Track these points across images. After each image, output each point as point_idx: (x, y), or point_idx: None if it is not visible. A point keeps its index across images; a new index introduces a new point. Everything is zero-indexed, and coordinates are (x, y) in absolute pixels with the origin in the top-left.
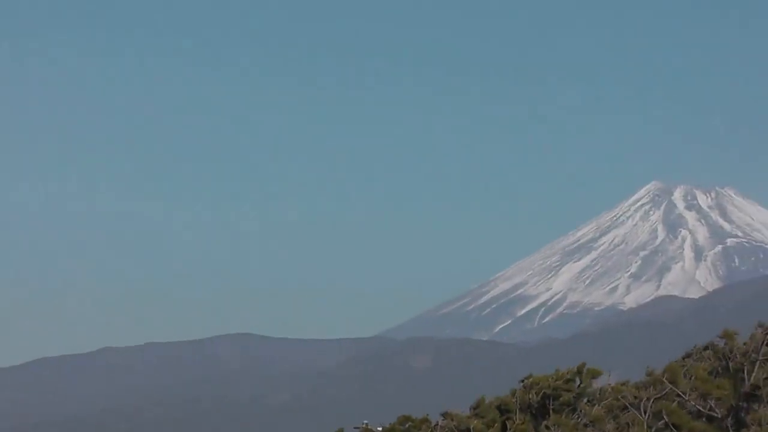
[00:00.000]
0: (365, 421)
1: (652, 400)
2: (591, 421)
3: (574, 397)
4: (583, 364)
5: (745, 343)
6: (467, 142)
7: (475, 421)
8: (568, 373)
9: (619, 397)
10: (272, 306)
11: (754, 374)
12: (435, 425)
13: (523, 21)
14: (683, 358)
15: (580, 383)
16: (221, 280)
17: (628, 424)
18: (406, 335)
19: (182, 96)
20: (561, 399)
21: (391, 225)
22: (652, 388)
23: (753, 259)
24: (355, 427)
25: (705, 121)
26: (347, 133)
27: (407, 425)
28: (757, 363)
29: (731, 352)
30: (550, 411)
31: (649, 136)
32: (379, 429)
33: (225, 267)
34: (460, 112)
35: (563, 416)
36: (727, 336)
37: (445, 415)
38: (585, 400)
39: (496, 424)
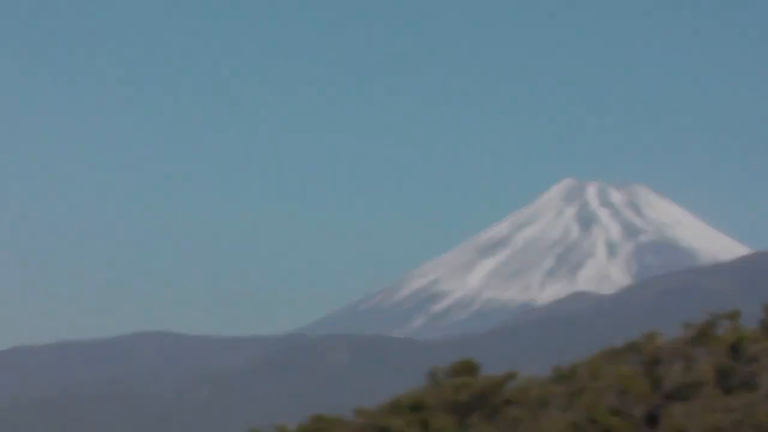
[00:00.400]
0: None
1: (567, 396)
2: (513, 420)
3: (501, 401)
4: (514, 372)
5: (666, 343)
6: (385, 138)
7: (396, 420)
8: (497, 377)
9: (536, 394)
10: (188, 304)
11: (672, 373)
12: (350, 423)
13: (418, 17)
14: (604, 355)
15: (506, 388)
16: (136, 278)
17: (539, 415)
18: (322, 332)
19: None
20: (488, 402)
21: (306, 223)
22: (568, 384)
23: (665, 255)
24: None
25: (618, 119)
26: (249, 133)
27: (320, 424)
28: (676, 363)
29: (652, 351)
30: (475, 412)
31: (563, 134)
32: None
33: (139, 265)
34: (382, 107)
35: (486, 418)
36: (649, 335)
37: (358, 411)
38: (510, 404)
39: (416, 423)
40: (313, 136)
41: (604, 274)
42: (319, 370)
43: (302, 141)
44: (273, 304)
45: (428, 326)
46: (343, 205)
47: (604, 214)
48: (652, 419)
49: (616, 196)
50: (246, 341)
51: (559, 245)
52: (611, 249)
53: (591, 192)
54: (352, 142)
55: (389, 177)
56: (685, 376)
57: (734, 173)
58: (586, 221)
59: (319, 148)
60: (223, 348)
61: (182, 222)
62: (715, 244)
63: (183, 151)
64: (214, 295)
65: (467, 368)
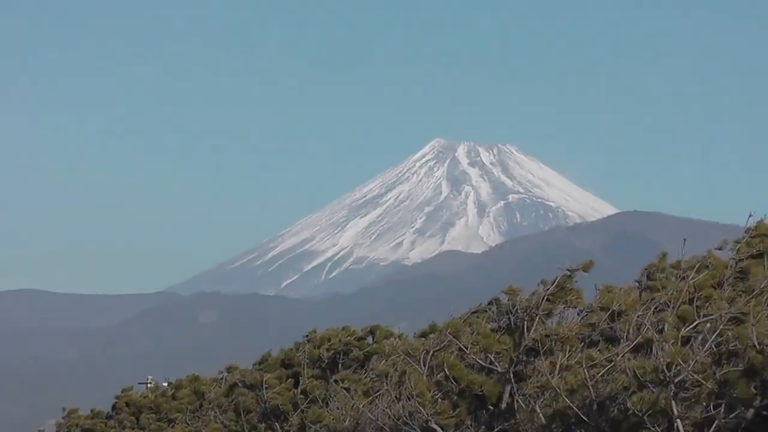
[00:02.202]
0: (150, 377)
1: (431, 353)
2: (378, 376)
3: (364, 354)
4: (377, 326)
5: (527, 299)
6: (256, 97)
7: (268, 376)
8: (361, 331)
9: (400, 351)
10: (58, 261)
11: (533, 329)
12: (221, 379)
13: None
14: (471, 314)
15: (373, 341)
16: (2, 235)
17: (407, 374)
18: (193, 291)
19: None
20: (351, 355)
21: (174, 180)
22: (433, 341)
23: (534, 214)
24: (140, 383)
25: (485, 79)
26: (118, 83)
27: (196, 384)
28: (537, 318)
29: (513, 307)
30: (340, 366)
31: (432, 93)
32: (165, 384)
33: (5, 222)
34: (247, 62)
35: (352, 372)
36: (511, 292)
37: (229, 368)
38: (375, 357)
39: (289, 379)
40: (185, 92)
41: (474, 233)
42: (192, 328)
43: (173, 96)
44: (143, 262)
45: (300, 284)
46: (214, 165)
47: (473, 173)
48: (516, 375)
49: (486, 156)
50: (116, 299)
51: (430, 204)
52: (481, 208)
53: (460, 152)
54: (225, 96)
55: (262, 136)
56: (546, 330)
57: (600, 134)
58: (456, 181)
59: (192, 105)
60: (92, 306)
61: (48, 178)
62: (582, 203)
63: (52, 99)
64: (81, 253)
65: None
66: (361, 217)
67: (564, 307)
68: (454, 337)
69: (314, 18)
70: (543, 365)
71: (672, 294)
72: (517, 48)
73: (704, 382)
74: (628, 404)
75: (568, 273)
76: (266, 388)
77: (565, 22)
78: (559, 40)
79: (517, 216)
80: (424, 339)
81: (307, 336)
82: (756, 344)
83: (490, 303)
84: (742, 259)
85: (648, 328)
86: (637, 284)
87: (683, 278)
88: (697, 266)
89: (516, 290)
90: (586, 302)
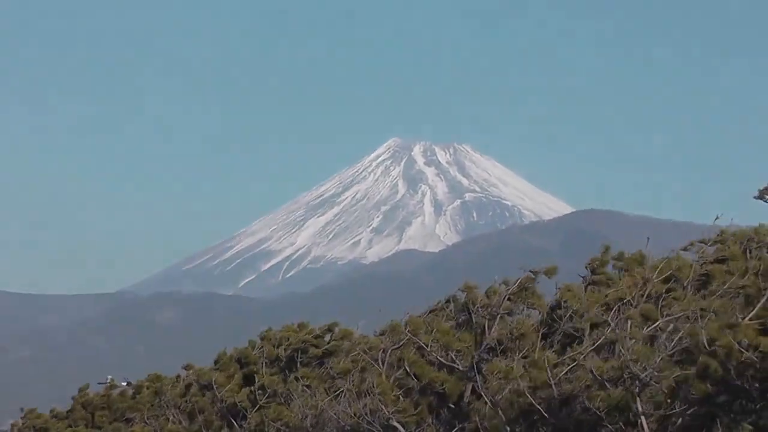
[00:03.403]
0: (109, 376)
1: (389, 351)
2: (338, 374)
3: (323, 352)
4: (335, 324)
5: (487, 298)
6: (212, 95)
7: (217, 374)
8: (319, 329)
9: (359, 350)
10: (11, 261)
11: (494, 328)
12: (177, 377)
13: None
14: (430, 312)
15: (331, 340)
16: None
17: (366, 372)
18: (150, 291)
19: None
20: (309, 353)
21: (130, 180)
22: (390, 339)
23: (490, 213)
24: (99, 383)
25: (440, 78)
26: (70, 87)
27: (158, 384)
28: (498, 317)
29: (474, 305)
30: (298, 364)
31: (387, 93)
32: (124, 384)
33: None
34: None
35: (312, 370)
36: (468, 289)
37: (186, 367)
38: (334, 355)
39: (236, 375)
40: (137, 90)
41: (431, 232)
42: (149, 328)
43: (125, 96)
44: (100, 263)
45: (258, 284)
46: (170, 164)
47: (430, 172)
48: (478, 373)
49: (442, 155)
50: (72, 300)
51: (386, 203)
52: (437, 207)
53: (417, 151)
54: (180, 94)
55: (218, 136)
56: (506, 329)
57: (555, 133)
58: (412, 180)
59: (146, 103)
60: (48, 306)
61: (3, 176)
62: (537, 202)
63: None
64: (36, 252)
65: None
66: (318, 217)
67: (525, 308)
68: (413, 335)
69: (269, 15)
70: (505, 363)
71: (621, 290)
72: (471, 46)
73: (664, 381)
74: (592, 402)
75: (532, 275)
76: (217, 387)
77: (519, 19)
78: (512, 37)
79: (474, 215)
80: (383, 337)
81: (262, 335)
82: (706, 346)
83: (447, 301)
84: (706, 263)
85: (612, 326)
86: (581, 279)
87: (626, 271)
88: (660, 266)
89: (473, 287)
90: (546, 301)
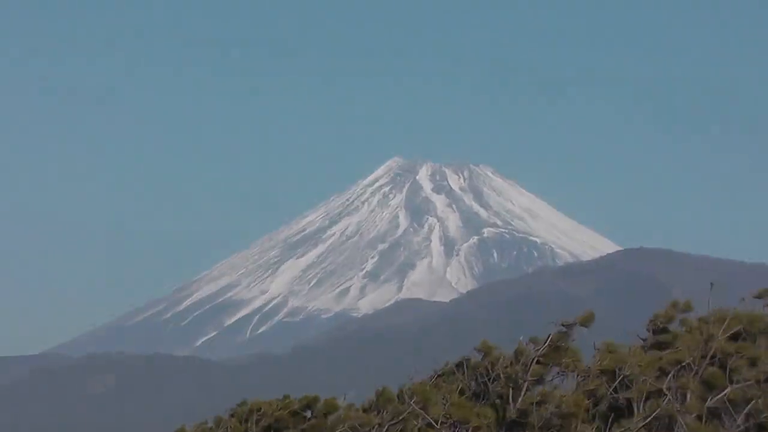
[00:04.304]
0: None
1: (386, 427)
2: None
3: (302, 430)
4: (315, 397)
5: (510, 361)
6: (174, 117)
7: None
8: (297, 402)
9: (348, 427)
10: None
11: (521, 398)
12: None
13: None
14: (437, 377)
15: (312, 416)
16: None
17: None
18: (81, 352)
19: None
20: None
21: (63, 220)
22: (390, 413)
23: (514, 253)
24: None
25: (454, 88)
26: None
27: None
28: (525, 384)
29: (492, 370)
30: None
31: (388, 104)
32: None
33: None
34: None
35: None
36: (486, 349)
37: None
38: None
39: None
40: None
41: (440, 276)
42: (77, 399)
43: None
44: (25, 321)
45: (220, 343)
46: (110, 189)
47: (439, 201)
48: None
49: (454, 180)
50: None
51: (384, 241)
52: (448, 246)
53: (423, 174)
54: (136, 119)
55: (173, 156)
56: (534, 398)
57: (596, 155)
58: (417, 211)
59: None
60: None
61: None
62: (574, 239)
63: None
64: None
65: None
66: (297, 257)
67: (559, 371)
68: (420, 407)
69: (253, 28)
70: None
71: (680, 351)
72: (494, 51)
73: None
74: None
75: (563, 329)
76: None
77: (553, 23)
78: (547, 41)
79: (495, 255)
80: (377, 411)
81: (232, 411)
82: None
83: (458, 364)
84: None
85: (668, 397)
86: (641, 341)
87: (697, 330)
88: (728, 320)
89: (492, 347)
90: (585, 364)
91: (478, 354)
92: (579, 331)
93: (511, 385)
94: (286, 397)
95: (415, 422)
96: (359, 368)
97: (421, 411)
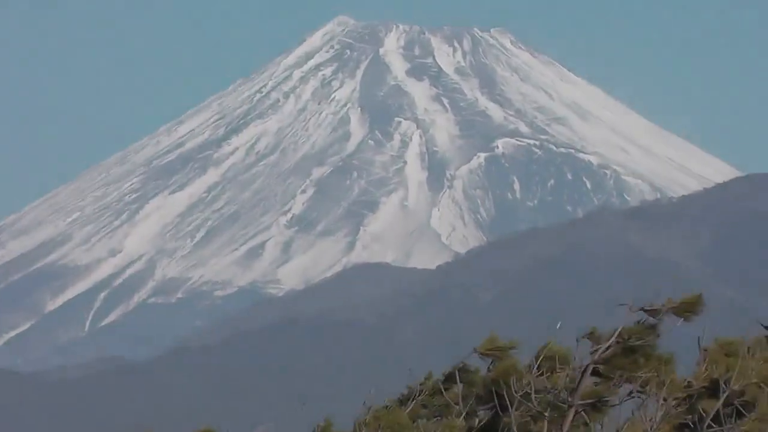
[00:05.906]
0: None
1: None
2: None
3: None
4: None
5: (543, 371)
6: None
7: None
8: None
9: None
10: None
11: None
12: None
13: None
14: (413, 400)
15: None
16: None
17: None
18: None
19: None
20: None
21: None
22: None
23: (551, 182)
24: None
25: None
26: None
27: None
28: (572, 412)
29: (514, 387)
30: None
31: None
32: None
33: None
34: None
35: None
36: (497, 350)
37: None
38: None
39: None
40: None
41: (421, 224)
42: None
43: None
44: None
45: (33, 343)
46: None
47: (420, 93)
48: None
49: (447, 55)
50: None
51: (323, 162)
52: (435, 170)
53: (391, 45)
54: None
55: None
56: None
57: (691, 17)
58: (382, 110)
59: None
60: None
61: None
62: (656, 159)
63: None
64: None
65: None
66: (171, 192)
67: (633, 390)
68: None
69: None
70: None
71: None
72: None
73: None
74: None
75: (644, 317)
76: None
77: None
78: None
79: (516, 187)
80: None
81: None
82: None
83: (449, 377)
84: None
85: None
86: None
87: None
88: None
89: (504, 347)
90: (681, 376)
91: (482, 359)
92: (671, 320)
93: (546, 414)
94: None
95: None
96: (279, 386)
97: None
